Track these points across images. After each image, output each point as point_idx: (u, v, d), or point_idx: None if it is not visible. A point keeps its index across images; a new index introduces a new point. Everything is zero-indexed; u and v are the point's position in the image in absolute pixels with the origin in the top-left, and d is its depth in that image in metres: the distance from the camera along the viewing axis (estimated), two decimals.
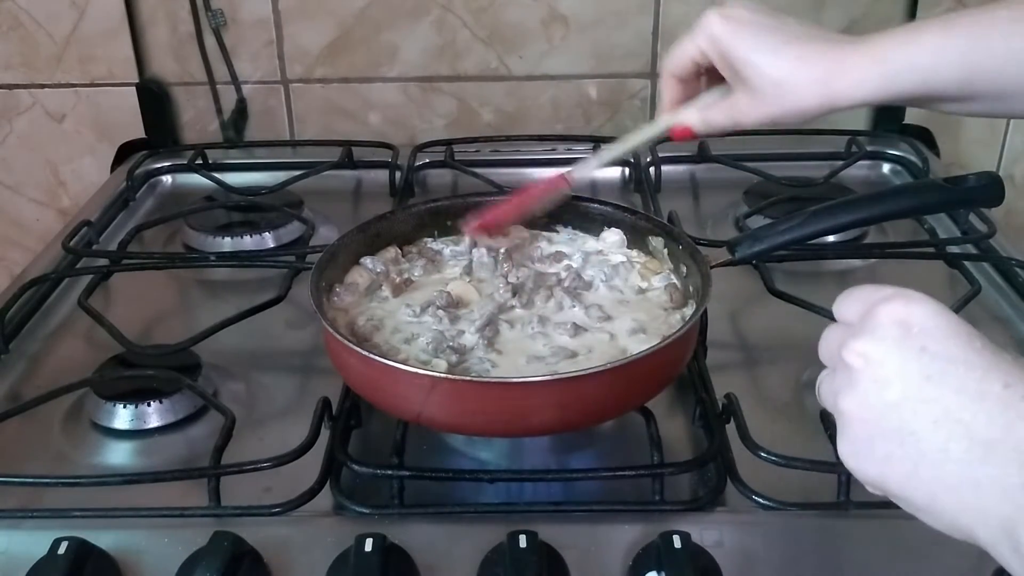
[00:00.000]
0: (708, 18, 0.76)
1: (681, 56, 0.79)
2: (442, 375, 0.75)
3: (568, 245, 0.96)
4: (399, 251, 0.94)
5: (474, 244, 0.95)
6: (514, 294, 0.86)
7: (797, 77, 0.72)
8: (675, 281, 0.89)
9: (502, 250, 0.93)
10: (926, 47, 0.68)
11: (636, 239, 0.94)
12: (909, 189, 0.88)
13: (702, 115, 0.80)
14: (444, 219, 0.97)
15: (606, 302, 0.87)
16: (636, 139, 0.87)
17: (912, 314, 0.47)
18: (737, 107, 0.77)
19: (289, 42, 1.40)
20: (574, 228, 0.98)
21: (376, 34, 1.39)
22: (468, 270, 0.92)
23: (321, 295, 0.84)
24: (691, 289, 0.87)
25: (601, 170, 0.95)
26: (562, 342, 0.81)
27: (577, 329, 0.82)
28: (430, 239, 0.97)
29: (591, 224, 0.97)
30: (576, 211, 0.97)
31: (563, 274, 0.90)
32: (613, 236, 0.95)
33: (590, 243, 0.96)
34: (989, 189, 0.78)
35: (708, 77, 0.81)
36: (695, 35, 0.77)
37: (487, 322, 0.83)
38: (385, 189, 1.31)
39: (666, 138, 0.84)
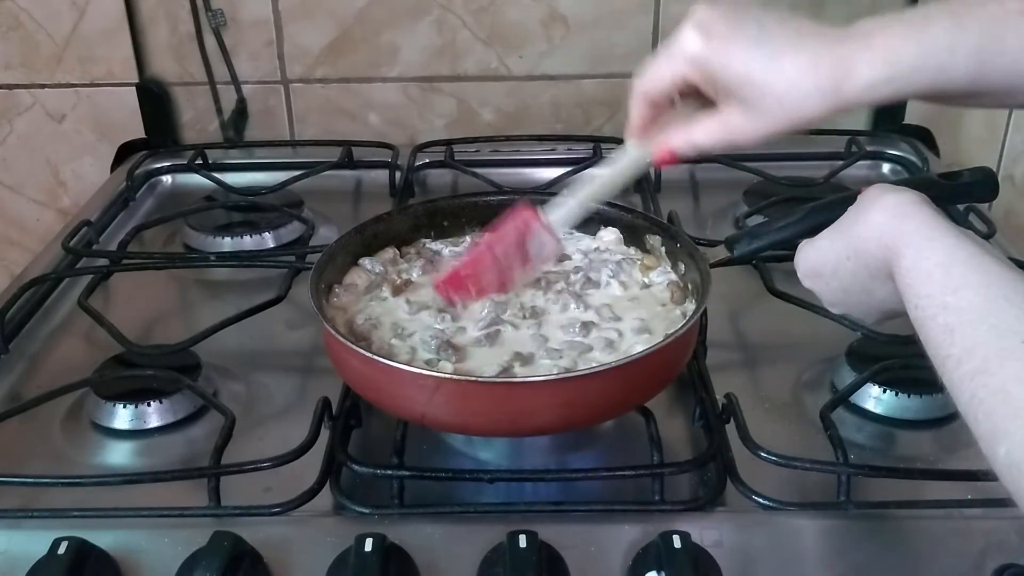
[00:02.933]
0: (685, 38, 0.68)
1: (658, 79, 0.71)
2: (446, 375, 0.75)
3: (567, 244, 0.96)
4: (397, 252, 0.94)
5: (475, 244, 0.95)
6: (525, 316, 0.84)
7: (801, 87, 0.65)
8: (675, 278, 0.89)
9: None
10: (938, 43, 0.63)
11: (633, 237, 0.94)
12: (905, 184, 0.88)
13: (687, 136, 0.73)
14: (441, 219, 0.97)
15: (614, 300, 0.87)
16: (614, 174, 0.79)
17: (800, 268, 0.73)
18: (731, 126, 0.70)
19: (289, 42, 1.40)
20: (570, 227, 0.98)
21: (376, 34, 1.39)
22: None
23: (321, 297, 0.84)
24: (690, 286, 0.87)
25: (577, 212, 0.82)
26: (560, 343, 0.81)
27: (582, 327, 0.82)
28: (428, 240, 0.97)
29: (587, 223, 0.96)
30: None
31: (572, 277, 0.89)
32: (610, 235, 0.95)
33: (586, 242, 0.96)
34: (983, 184, 0.79)
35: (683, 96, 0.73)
36: (672, 57, 0.69)
37: (490, 323, 0.83)
38: (385, 189, 1.31)
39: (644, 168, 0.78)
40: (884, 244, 0.63)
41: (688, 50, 0.68)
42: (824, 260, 0.70)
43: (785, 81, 0.66)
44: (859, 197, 0.67)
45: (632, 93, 0.74)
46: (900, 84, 0.65)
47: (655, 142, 0.75)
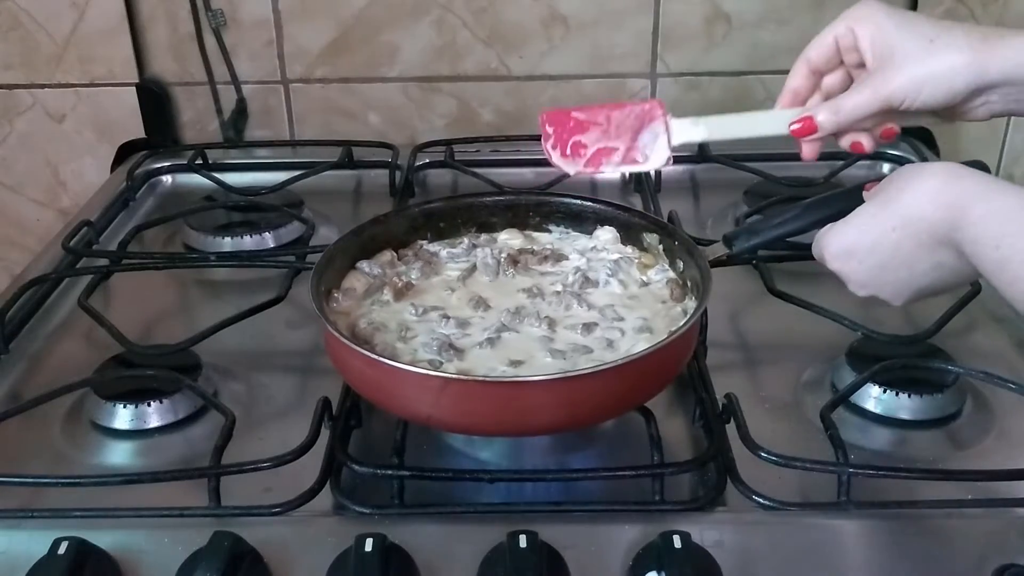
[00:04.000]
0: (864, 1, 0.76)
1: (822, 41, 0.77)
2: (453, 376, 0.75)
3: (564, 244, 0.96)
4: (394, 254, 0.94)
5: (473, 246, 0.95)
6: (529, 319, 0.85)
7: (951, 56, 0.71)
8: (674, 275, 0.89)
9: (504, 254, 0.92)
10: None
11: (630, 236, 0.95)
12: None
13: (833, 105, 0.76)
14: (438, 221, 0.97)
15: (615, 300, 0.87)
16: (750, 121, 0.82)
17: (830, 249, 0.73)
18: (879, 92, 0.74)
19: (289, 42, 1.40)
20: (566, 227, 0.98)
21: (376, 34, 1.39)
22: (470, 272, 0.92)
23: (322, 300, 0.84)
24: (689, 283, 0.87)
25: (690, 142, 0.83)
26: (562, 344, 0.81)
27: (584, 328, 0.83)
28: (425, 241, 0.97)
29: (583, 223, 0.97)
30: (568, 210, 0.97)
31: (571, 278, 0.89)
32: (606, 234, 0.95)
33: (583, 241, 0.96)
34: None
35: (840, 74, 0.79)
36: (841, 19, 0.76)
37: (498, 331, 0.83)
38: (385, 189, 1.31)
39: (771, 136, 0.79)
40: (943, 204, 0.65)
41: (862, 8, 0.75)
42: (862, 236, 0.71)
43: (938, 50, 0.71)
44: (891, 175, 0.70)
45: (796, 61, 0.79)
46: None
47: (801, 111, 0.78)
